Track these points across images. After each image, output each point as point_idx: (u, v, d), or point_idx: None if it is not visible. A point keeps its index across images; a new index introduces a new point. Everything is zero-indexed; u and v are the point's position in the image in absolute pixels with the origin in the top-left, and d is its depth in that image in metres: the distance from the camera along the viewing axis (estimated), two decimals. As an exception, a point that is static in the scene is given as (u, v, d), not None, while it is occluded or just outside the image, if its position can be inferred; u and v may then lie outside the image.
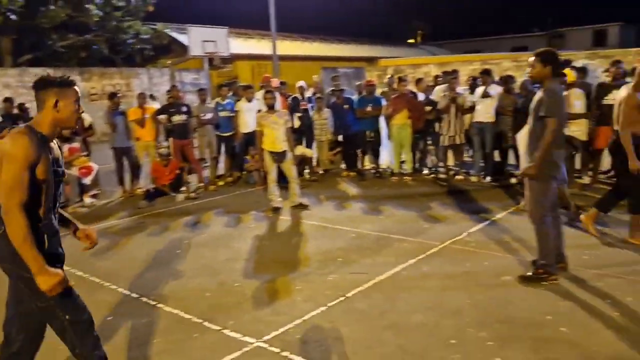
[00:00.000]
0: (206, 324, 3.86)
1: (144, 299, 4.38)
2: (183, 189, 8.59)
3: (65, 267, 2.63)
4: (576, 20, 42.23)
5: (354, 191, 8.42)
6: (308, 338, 3.58)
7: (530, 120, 4.34)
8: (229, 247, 5.74)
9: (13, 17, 17.62)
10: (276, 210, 7.21)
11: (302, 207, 7.34)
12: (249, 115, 9.11)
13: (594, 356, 3.18)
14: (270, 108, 7.26)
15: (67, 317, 2.52)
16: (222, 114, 9.30)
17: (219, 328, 3.78)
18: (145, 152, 9.18)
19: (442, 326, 3.65)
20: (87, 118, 9.39)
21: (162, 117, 8.90)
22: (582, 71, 8.13)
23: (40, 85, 2.53)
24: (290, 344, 3.50)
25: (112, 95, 9.07)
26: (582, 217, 5.66)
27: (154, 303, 4.29)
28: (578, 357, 3.18)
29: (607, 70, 8.14)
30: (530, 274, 4.40)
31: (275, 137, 7.14)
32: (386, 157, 9.98)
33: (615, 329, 3.48)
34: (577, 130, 7.26)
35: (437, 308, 3.94)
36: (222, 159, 9.72)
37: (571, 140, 7.36)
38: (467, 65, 19.75)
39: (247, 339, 3.59)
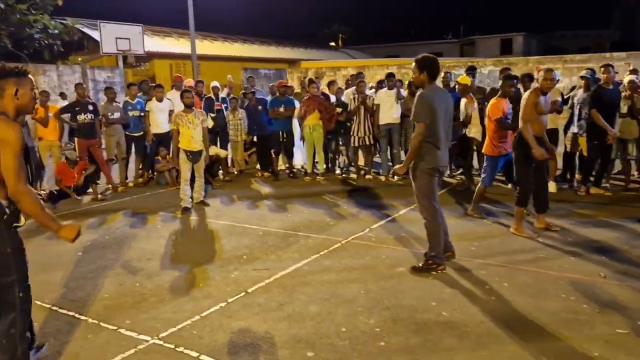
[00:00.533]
0: (102, 324, 3.81)
1: (38, 302, 4.22)
2: (89, 190, 8.31)
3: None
4: (486, 29, 44.80)
5: (266, 191, 8.53)
6: (205, 333, 3.64)
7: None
8: (132, 248, 5.65)
9: None
10: (186, 210, 7.18)
11: (203, 204, 7.43)
12: (160, 115, 8.98)
13: (465, 335, 3.48)
14: (188, 107, 7.24)
15: (20, 294, 2.80)
16: (132, 113, 9.09)
17: (114, 328, 3.75)
18: (48, 153, 8.80)
19: (335, 315, 3.84)
20: None
21: (66, 116, 8.56)
22: (473, 74, 8.65)
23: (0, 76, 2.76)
24: (186, 339, 3.55)
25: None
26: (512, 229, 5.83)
27: (47, 306, 4.17)
28: (453, 336, 3.47)
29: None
30: (421, 264, 4.70)
31: (191, 137, 7.17)
32: (300, 158, 10.17)
33: (488, 311, 3.83)
34: (475, 132, 7.79)
35: (332, 299, 4.13)
36: (133, 159, 9.48)
37: (469, 140, 7.91)
38: (385, 69, 20.50)
39: (142, 337, 3.60)
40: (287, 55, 32.93)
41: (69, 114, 8.53)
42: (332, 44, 47.11)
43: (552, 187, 7.46)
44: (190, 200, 7.32)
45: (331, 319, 3.79)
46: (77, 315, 3.98)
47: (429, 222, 4.69)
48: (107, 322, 3.84)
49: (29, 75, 2.86)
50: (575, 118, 7.60)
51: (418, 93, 4.54)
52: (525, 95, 5.62)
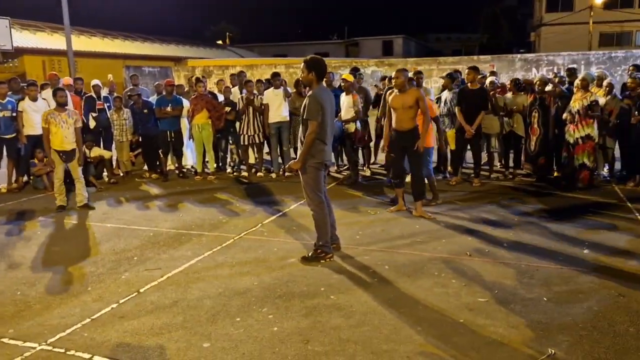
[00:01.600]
0: (-20, 336, 3.61)
1: None
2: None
3: None
4: (369, 31, 46.85)
5: (155, 192, 8.38)
6: (97, 335, 3.59)
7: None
8: (10, 256, 5.33)
9: None
10: (61, 208, 7.07)
11: (88, 207, 7.18)
12: (34, 115, 8.42)
13: (351, 314, 3.80)
14: (61, 106, 7.01)
15: None
16: (2, 113, 8.42)
17: (-5, 338, 3.57)
18: None
19: (229, 307, 3.98)
20: None
21: None
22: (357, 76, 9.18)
23: None
24: (77, 342, 3.48)
25: None
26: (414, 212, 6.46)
27: None
28: (340, 316, 3.77)
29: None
30: (310, 254, 4.98)
31: (64, 137, 6.98)
32: (190, 157, 10.07)
33: (371, 292, 4.19)
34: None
35: (226, 292, 4.26)
36: (4, 163, 8.79)
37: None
38: (273, 68, 20.72)
39: (28, 344, 3.47)
40: (173, 53, 32.00)
41: None
42: (220, 42, 46.48)
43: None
44: (65, 199, 7.21)
45: (226, 311, 3.92)
46: (-50, 330, 3.72)
47: (317, 213, 4.97)
48: (-14, 333, 3.64)
49: None
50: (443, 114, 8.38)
51: (310, 93, 4.79)
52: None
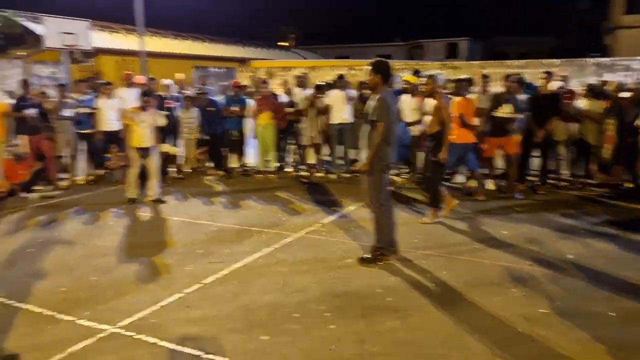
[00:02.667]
0: (59, 316, 3.90)
1: (-8, 298, 4.26)
2: (39, 188, 8.19)
3: None
4: (433, 33, 46.13)
5: (219, 188, 8.68)
6: (163, 322, 3.80)
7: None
8: (86, 245, 5.69)
9: None
10: (132, 201, 7.42)
11: (159, 202, 7.52)
12: (110, 112, 8.93)
13: (407, 317, 3.82)
14: (143, 109, 7.46)
15: None
16: (81, 110, 8.99)
17: (73, 319, 3.85)
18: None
19: (287, 303, 4.09)
20: None
21: (31, 111, 8.41)
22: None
23: None
24: (145, 327, 3.70)
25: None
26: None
27: (1, 300, 4.20)
28: (396, 318, 3.80)
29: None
30: (368, 256, 5.02)
31: (143, 134, 7.36)
32: (252, 156, 10.34)
33: (428, 296, 4.19)
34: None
35: (285, 289, 4.38)
36: (83, 156, 9.36)
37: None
38: (335, 70, 20.88)
39: (102, 326, 3.72)
40: (238, 54, 32.81)
41: (17, 111, 8.37)
42: (283, 43, 47.20)
43: (491, 184, 8.04)
44: (137, 192, 7.56)
45: (284, 306, 4.03)
46: (32, 308, 4.04)
47: (379, 215, 5.00)
48: (65, 313, 3.93)
49: None
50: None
51: (379, 96, 4.84)
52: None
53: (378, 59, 5.00)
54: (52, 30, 16.98)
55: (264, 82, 9.36)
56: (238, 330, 3.66)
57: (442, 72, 16.74)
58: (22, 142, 8.47)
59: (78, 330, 3.68)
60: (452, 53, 43.56)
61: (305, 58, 36.62)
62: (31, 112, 8.29)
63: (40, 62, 21.07)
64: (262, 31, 49.68)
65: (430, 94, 6.24)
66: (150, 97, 7.56)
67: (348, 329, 3.66)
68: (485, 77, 8.46)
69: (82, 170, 9.32)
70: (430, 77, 6.25)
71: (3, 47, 21.76)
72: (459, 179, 8.40)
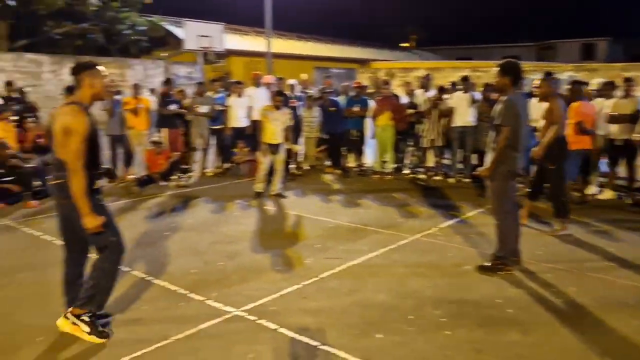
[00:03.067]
0: (191, 295, 4.26)
1: (134, 273, 4.75)
2: (174, 177, 8.97)
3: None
4: (566, 33, 42.99)
5: (336, 186, 8.86)
6: (282, 310, 3.98)
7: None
8: (214, 232, 6.12)
9: (12, 2, 17.84)
10: (258, 195, 7.77)
11: (281, 197, 7.83)
12: (239, 110, 9.52)
13: (530, 331, 3.62)
14: (277, 108, 7.81)
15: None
16: (214, 107, 9.68)
17: (202, 298, 4.18)
18: (138, 141, 9.53)
19: (402, 304, 4.08)
20: None
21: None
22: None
23: (77, 70, 3.37)
24: (265, 313, 3.91)
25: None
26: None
27: (142, 276, 4.67)
28: (517, 331, 3.62)
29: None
30: (488, 264, 4.84)
31: (275, 132, 7.73)
32: (370, 156, 10.42)
33: (553, 310, 3.94)
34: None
35: (400, 290, 4.37)
36: (212, 150, 10.09)
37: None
38: (457, 72, 20.30)
39: (227, 308, 3.99)
40: (359, 55, 33.17)
41: (161, 106, 9.31)
42: (404, 44, 46.81)
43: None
44: (264, 186, 7.89)
45: (399, 307, 4.03)
46: (168, 286, 4.45)
47: (502, 223, 4.80)
48: (195, 293, 4.28)
49: (98, 67, 3.42)
50: None
51: (505, 98, 4.66)
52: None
53: (508, 59, 4.80)
54: (190, 33, 18.50)
55: (386, 82, 9.38)
56: (352, 326, 3.73)
57: (577, 74, 15.67)
58: (163, 135, 9.34)
59: (206, 309, 3.99)
60: (588, 54, 40.23)
61: (426, 59, 36.04)
62: (173, 108, 9.11)
63: (179, 63, 23.01)
64: (383, 32, 49.65)
65: (545, 97, 5.81)
66: (282, 96, 7.89)
67: (464, 336, 3.57)
68: (628, 80, 7.72)
69: (211, 163, 10.02)
70: (544, 79, 5.87)
71: (148, 49, 24.07)
72: (592, 190, 7.77)
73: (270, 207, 7.41)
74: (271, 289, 4.35)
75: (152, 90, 11.63)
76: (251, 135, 9.69)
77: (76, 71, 3.37)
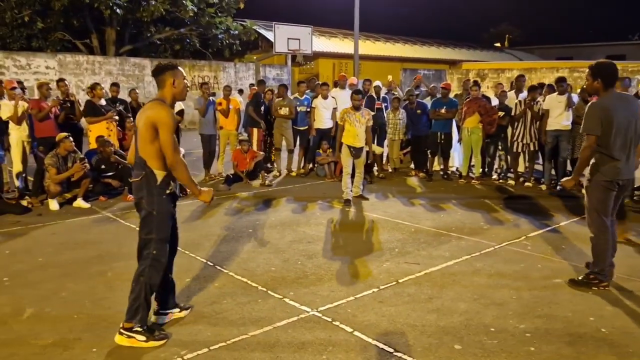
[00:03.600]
0: (269, 292, 4.34)
1: (217, 267, 4.94)
2: (259, 176, 9.23)
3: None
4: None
5: (419, 190, 8.67)
6: (358, 313, 3.95)
7: None
8: (294, 231, 6.21)
9: (118, 10, 19.27)
10: (347, 202, 7.59)
11: (362, 198, 7.78)
12: (324, 111, 9.61)
13: (627, 355, 3.32)
14: (356, 109, 7.65)
15: (154, 252, 3.47)
16: (300, 109, 9.85)
17: (280, 296, 4.25)
18: (227, 141, 9.92)
19: (484, 315, 3.90)
20: (178, 105, 10.33)
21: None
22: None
23: (159, 71, 3.48)
24: (341, 315, 3.90)
25: (203, 84, 9.87)
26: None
27: (225, 271, 4.84)
28: (611, 354, 3.33)
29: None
30: (581, 278, 4.50)
31: (356, 134, 7.55)
32: (456, 160, 10.11)
33: (656, 335, 3.58)
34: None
35: (482, 300, 4.18)
36: (297, 151, 10.27)
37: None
38: (554, 72, 19.17)
39: (304, 307, 4.03)
40: (448, 56, 32.39)
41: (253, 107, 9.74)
42: (498, 44, 44.99)
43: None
44: (351, 193, 7.76)
45: (480, 318, 3.86)
46: (249, 282, 4.57)
47: (596, 237, 4.45)
48: (274, 290, 4.36)
49: (180, 69, 3.55)
50: None
51: (590, 103, 4.35)
52: None
53: (599, 61, 4.41)
54: (280, 36, 18.96)
55: (475, 83, 9.03)
56: (429, 334, 3.62)
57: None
58: (251, 135, 9.67)
59: (283, 307, 4.05)
60: None
61: (520, 59, 34.41)
62: (260, 109, 9.41)
63: (269, 65, 23.71)
64: (474, 32, 48.04)
65: None
66: (361, 94, 7.76)
67: (551, 354, 3.34)
68: None
69: (296, 163, 10.19)
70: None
71: (241, 52, 25.01)
72: None
73: (351, 208, 7.40)
74: (348, 291, 4.34)
75: (240, 91, 12.06)
76: (335, 136, 9.77)
77: (158, 72, 3.47)
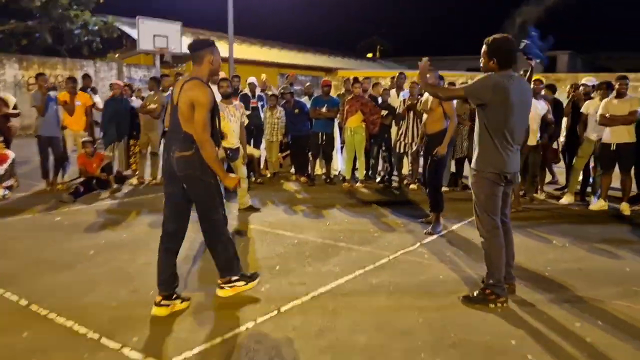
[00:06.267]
0: (103, 340, 3.13)
1: (34, 308, 3.59)
2: (111, 184, 7.77)
3: None
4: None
5: (301, 196, 7.81)
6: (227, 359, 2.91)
7: None
8: (152, 250, 4.94)
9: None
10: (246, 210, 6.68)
11: (252, 209, 6.68)
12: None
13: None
14: (226, 98, 6.41)
15: (223, 214, 3.74)
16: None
17: (118, 346, 3.06)
18: (74, 143, 8.29)
19: (390, 350, 3.07)
20: (11, 98, 8.46)
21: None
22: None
23: (198, 46, 3.45)
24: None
25: (39, 75, 8.06)
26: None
27: (44, 313, 3.51)
28: (549, 392, 2.66)
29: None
30: (476, 294, 3.84)
31: (232, 130, 6.32)
32: (339, 162, 9.46)
33: (589, 356, 2.99)
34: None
35: (385, 328, 3.35)
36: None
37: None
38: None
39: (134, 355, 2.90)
40: (325, 63, 32.38)
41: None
42: (370, 55, 46.45)
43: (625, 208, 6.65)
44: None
45: (386, 354, 3.01)
46: (76, 327, 3.31)
47: (487, 241, 3.81)
48: (110, 337, 3.16)
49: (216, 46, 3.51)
50: None
51: (486, 74, 3.74)
52: None
53: (497, 36, 3.78)
54: (145, 32, 17.23)
55: (356, 80, 8.41)
56: (324, 385, 2.69)
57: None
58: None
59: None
60: (550, 66, 40.62)
61: (391, 69, 35.58)
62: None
63: (135, 65, 21.62)
64: (349, 42, 49.22)
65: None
66: (228, 82, 6.54)
67: (478, 399, 2.58)
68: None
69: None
70: None
71: (102, 50, 22.59)
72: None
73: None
74: (215, 331, 3.27)
75: (94, 90, 10.34)
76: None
77: (197, 47, 3.46)
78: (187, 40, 19.43)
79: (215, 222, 3.64)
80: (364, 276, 4.31)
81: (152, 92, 8.47)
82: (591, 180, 7.63)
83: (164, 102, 8.26)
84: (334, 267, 4.53)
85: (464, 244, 5.28)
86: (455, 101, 6.13)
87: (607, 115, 6.65)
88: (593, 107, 7.07)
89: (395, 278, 4.28)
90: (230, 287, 3.72)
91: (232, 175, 3.55)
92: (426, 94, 6.06)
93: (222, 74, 9.04)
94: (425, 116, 6.12)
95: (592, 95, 7.60)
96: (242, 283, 3.76)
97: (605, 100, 6.77)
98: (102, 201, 7.21)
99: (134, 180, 8.47)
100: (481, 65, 3.83)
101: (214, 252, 3.70)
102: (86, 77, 9.68)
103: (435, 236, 5.57)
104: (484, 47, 3.77)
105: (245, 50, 27.71)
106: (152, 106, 8.29)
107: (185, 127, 3.39)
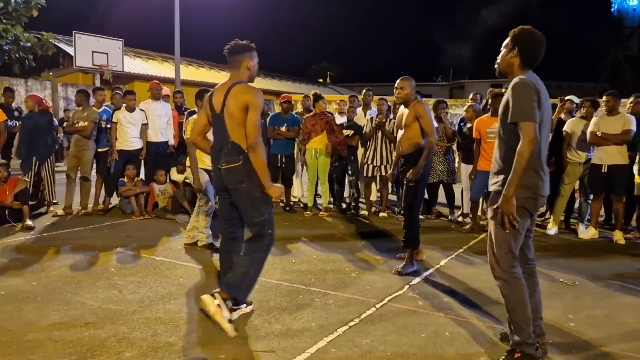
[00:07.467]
0: None
1: None
2: (28, 219, 6.44)
3: None
4: (477, 74, 44.70)
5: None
6: None
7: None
8: (68, 304, 3.79)
9: None
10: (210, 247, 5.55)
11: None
12: (130, 128, 7.29)
13: None
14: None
15: (270, 232, 3.43)
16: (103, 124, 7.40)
17: None
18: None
19: None
20: None
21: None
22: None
23: (237, 50, 3.42)
24: None
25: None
26: None
27: None
28: None
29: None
30: (505, 357, 2.94)
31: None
32: (299, 189, 8.50)
33: None
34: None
35: (394, 421, 2.37)
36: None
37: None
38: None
39: None
40: (276, 87, 31.63)
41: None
42: (321, 80, 46.27)
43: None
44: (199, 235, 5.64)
45: None
46: None
47: (508, 286, 2.92)
48: None
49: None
50: None
51: (518, 80, 2.89)
52: None
53: (526, 27, 3.02)
54: (83, 47, 15.89)
55: (319, 97, 7.53)
56: None
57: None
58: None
59: None
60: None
61: (341, 94, 35.26)
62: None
63: (72, 85, 20.04)
64: (301, 68, 48.98)
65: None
66: (181, 94, 5.76)
67: None
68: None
69: (93, 198, 7.57)
70: None
71: (36, 69, 20.88)
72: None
73: (165, 258, 5.17)
74: None
75: (19, 110, 8.91)
76: (146, 160, 7.54)
77: (236, 51, 3.40)
78: (129, 60, 18.21)
79: (260, 237, 3.43)
80: (350, 336, 3.31)
81: (80, 108, 7.26)
82: (576, 205, 7.02)
83: (95, 118, 7.10)
84: (309, 323, 3.51)
85: (459, 284, 4.41)
86: (433, 116, 5.28)
87: (598, 133, 6.06)
88: (579, 126, 6.48)
89: (390, 337, 3.31)
90: (218, 305, 3.09)
91: (277, 185, 3.41)
92: (401, 108, 5.17)
93: (165, 91, 8.00)
94: (400, 133, 5.16)
95: (575, 114, 7.04)
96: (228, 315, 3.13)
97: (596, 117, 6.19)
98: (13, 237, 5.90)
99: (60, 211, 7.17)
100: (498, 60, 3.03)
101: (237, 265, 3.37)
102: (7, 91, 8.31)
103: (424, 275, 4.67)
104: (507, 40, 2.96)
105: (194, 73, 26.64)
106: (82, 124, 7.10)
107: (233, 135, 3.30)
